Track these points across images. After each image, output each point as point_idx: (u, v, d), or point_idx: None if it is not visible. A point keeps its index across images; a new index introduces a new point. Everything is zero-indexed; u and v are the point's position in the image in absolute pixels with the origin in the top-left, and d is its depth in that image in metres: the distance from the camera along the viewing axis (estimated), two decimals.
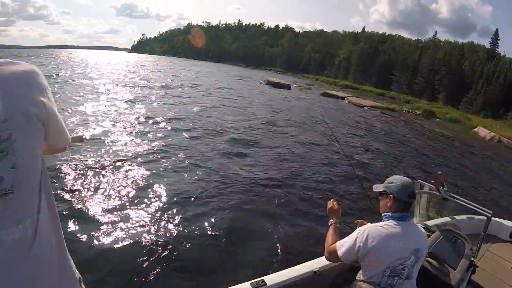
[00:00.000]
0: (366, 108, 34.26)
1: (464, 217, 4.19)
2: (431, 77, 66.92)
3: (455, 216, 4.10)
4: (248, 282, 2.39)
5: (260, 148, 10.80)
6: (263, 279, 2.44)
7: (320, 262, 2.76)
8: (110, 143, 8.86)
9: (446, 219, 4.00)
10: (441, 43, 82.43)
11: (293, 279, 2.56)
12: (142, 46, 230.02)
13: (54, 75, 24.71)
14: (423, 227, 2.89)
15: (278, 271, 2.62)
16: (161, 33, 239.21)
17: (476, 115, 47.99)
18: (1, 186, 0.97)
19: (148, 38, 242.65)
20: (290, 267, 2.70)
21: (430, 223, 3.67)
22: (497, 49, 72.33)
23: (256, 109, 20.04)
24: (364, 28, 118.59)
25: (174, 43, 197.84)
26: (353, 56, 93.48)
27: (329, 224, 2.52)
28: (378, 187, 2.32)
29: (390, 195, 2.16)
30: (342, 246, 2.15)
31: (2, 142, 0.96)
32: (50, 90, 1.13)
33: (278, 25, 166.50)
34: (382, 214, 2.21)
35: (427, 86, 67.07)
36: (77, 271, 1.31)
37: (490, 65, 59.37)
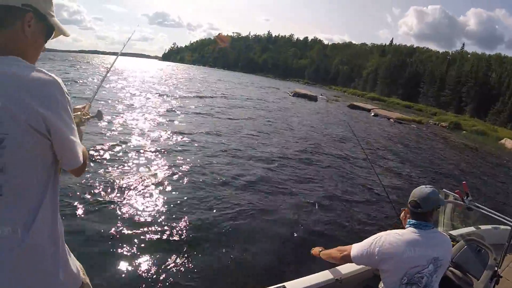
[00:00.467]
0: (392, 120, 34.65)
1: (489, 227, 4.14)
2: (458, 89, 67.07)
3: (479, 226, 4.08)
4: None
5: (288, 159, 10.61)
6: (284, 285, 2.46)
7: (343, 269, 2.78)
8: (139, 155, 8.43)
9: (471, 228, 3.98)
10: (469, 55, 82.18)
11: (315, 286, 2.56)
12: (173, 55, 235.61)
13: (85, 80, 26.12)
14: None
15: (299, 277, 2.63)
16: (191, 42, 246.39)
17: (503, 127, 47.92)
18: None
19: (178, 47, 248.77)
20: (311, 273, 2.70)
21: (454, 232, 3.66)
22: None
23: (281, 121, 19.58)
24: (392, 41, 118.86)
25: (204, 53, 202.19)
26: (381, 68, 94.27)
27: (319, 251, 2.66)
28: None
29: (405, 209, 2.21)
30: (356, 247, 2.16)
31: None
32: (65, 107, 1.13)
33: (307, 37, 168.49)
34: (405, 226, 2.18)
35: (454, 99, 67.18)
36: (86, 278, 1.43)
37: None
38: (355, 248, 2.16)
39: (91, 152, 7.79)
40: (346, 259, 2.25)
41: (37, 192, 1.13)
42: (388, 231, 2.09)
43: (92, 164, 7.08)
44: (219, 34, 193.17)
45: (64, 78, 23.06)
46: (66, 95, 1.15)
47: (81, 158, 1.24)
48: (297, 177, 8.97)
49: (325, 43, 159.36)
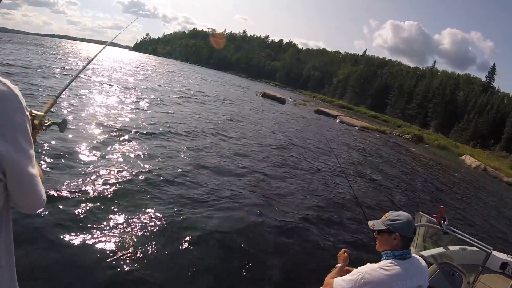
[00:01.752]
0: (357, 128, 35.12)
1: (457, 247, 4.23)
2: (425, 104, 68.45)
3: (448, 247, 4.19)
4: None
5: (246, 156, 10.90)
6: None
7: None
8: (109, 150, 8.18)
9: (441, 249, 4.08)
10: (438, 73, 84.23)
11: None
12: (145, 46, 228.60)
13: (62, 68, 24.54)
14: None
15: None
16: (165, 34, 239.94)
17: (465, 144, 49.27)
18: None
19: (151, 38, 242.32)
20: None
21: (425, 253, 3.80)
22: (492, 82, 74.68)
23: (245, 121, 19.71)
24: (365, 51, 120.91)
25: (177, 46, 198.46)
26: (352, 77, 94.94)
27: (336, 266, 2.47)
28: (376, 225, 2.20)
29: (396, 233, 2.05)
30: (339, 284, 2.03)
31: None
32: (25, 129, 0.90)
33: (282, 40, 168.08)
34: (382, 252, 2.12)
35: (420, 113, 68.54)
36: None
37: (483, 97, 61.05)
38: (338, 286, 2.01)
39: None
40: None
41: None
42: (370, 267, 1.99)
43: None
44: (215, 34, 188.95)
45: (30, 65, 20.77)
46: (25, 109, 0.92)
47: (44, 197, 1.03)
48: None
49: (300, 47, 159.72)
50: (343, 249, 2.60)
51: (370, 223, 2.24)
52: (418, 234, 3.89)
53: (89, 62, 1.96)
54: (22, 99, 0.88)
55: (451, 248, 4.21)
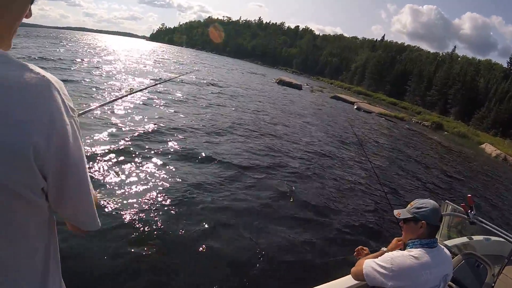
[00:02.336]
0: (374, 114, 34.60)
1: (480, 237, 4.14)
2: (445, 91, 66.94)
3: (472, 237, 4.09)
4: None
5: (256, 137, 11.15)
6: None
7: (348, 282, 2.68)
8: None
9: (464, 239, 3.99)
10: (459, 58, 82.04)
11: None
12: (161, 36, 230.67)
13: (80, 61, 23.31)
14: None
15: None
16: (181, 24, 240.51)
17: (485, 132, 48.09)
18: None
19: (167, 27, 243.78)
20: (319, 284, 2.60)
21: (449, 243, 3.69)
22: None
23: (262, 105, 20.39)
24: (383, 37, 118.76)
25: (193, 35, 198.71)
26: (370, 63, 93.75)
27: (382, 249, 2.42)
28: (402, 214, 2.18)
29: (423, 221, 2.04)
30: (369, 267, 2.02)
31: None
32: (69, 121, 0.76)
33: (298, 26, 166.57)
34: (409, 241, 2.10)
35: (440, 100, 67.12)
36: None
37: (505, 84, 59.15)
38: (368, 267, 2.01)
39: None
40: (359, 276, 2.09)
41: (30, 266, 0.84)
42: (400, 253, 1.99)
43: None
44: (212, 27, 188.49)
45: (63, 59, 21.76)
46: (73, 109, 0.80)
47: (95, 209, 0.93)
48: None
49: (316, 33, 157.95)
50: (361, 247, 2.52)
51: (396, 212, 2.23)
52: (444, 222, 3.79)
53: (145, 88, 1.86)
54: (69, 98, 0.78)
55: (475, 238, 4.10)
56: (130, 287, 3.59)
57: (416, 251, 1.96)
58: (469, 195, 3.15)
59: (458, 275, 2.84)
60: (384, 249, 2.36)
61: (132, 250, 4.11)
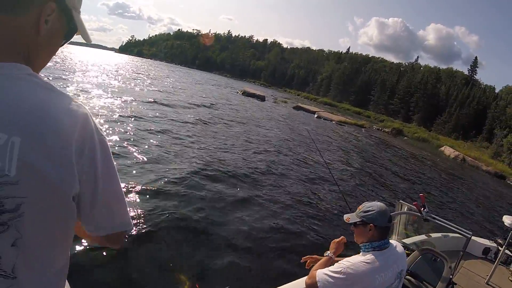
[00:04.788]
0: (334, 122, 34.74)
1: (439, 234, 4.31)
2: (407, 99, 68.87)
3: (430, 234, 4.25)
4: None
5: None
6: None
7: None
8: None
9: (423, 237, 4.13)
10: (421, 68, 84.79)
11: None
12: (130, 47, 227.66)
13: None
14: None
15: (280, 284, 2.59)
16: (150, 36, 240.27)
17: (447, 136, 49.59)
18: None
19: (137, 40, 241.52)
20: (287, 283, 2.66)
21: (407, 241, 3.81)
22: (475, 75, 76.20)
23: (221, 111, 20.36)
24: (348, 49, 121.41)
25: (163, 48, 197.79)
26: (335, 74, 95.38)
27: (325, 254, 2.37)
28: (351, 218, 2.17)
29: (370, 224, 2.03)
30: (322, 280, 1.96)
31: (5, 212, 0.73)
32: (103, 145, 0.85)
33: (266, 39, 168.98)
34: (361, 244, 2.09)
35: (403, 107, 68.98)
36: None
37: (465, 90, 61.65)
38: (322, 279, 1.94)
39: None
40: (312, 284, 2.00)
41: (56, 265, 0.88)
42: (352, 260, 1.96)
43: None
44: (205, 33, 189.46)
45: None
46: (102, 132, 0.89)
47: (130, 224, 0.98)
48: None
49: (285, 46, 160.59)
50: (342, 237, 2.46)
51: (346, 216, 2.22)
52: (400, 222, 3.90)
53: None
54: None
55: (433, 235, 4.27)
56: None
57: (368, 256, 1.95)
58: (421, 194, 3.27)
59: (416, 270, 2.93)
60: (328, 253, 2.32)
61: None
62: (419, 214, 3.16)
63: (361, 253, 2.02)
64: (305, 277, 2.33)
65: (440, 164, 23.99)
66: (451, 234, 4.26)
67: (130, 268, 3.94)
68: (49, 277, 0.84)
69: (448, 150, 33.67)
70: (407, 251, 3.09)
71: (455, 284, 2.97)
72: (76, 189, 0.78)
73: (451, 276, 2.92)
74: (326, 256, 2.31)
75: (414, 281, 2.86)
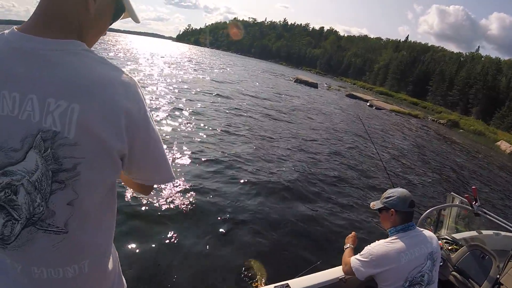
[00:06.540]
0: (386, 111, 34.65)
1: (490, 232, 4.07)
2: (466, 91, 66.79)
3: (481, 231, 4.04)
4: (273, 285, 2.41)
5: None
6: (287, 283, 2.44)
7: None
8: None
9: (473, 233, 3.93)
10: (482, 58, 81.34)
11: (318, 285, 2.53)
12: (187, 36, 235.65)
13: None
14: (448, 238, 3.27)
15: (303, 275, 2.58)
16: (206, 25, 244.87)
17: (506, 131, 47.23)
18: (52, 222, 0.83)
19: (193, 29, 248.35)
20: (315, 272, 2.65)
21: (457, 236, 3.63)
22: None
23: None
24: (407, 37, 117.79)
25: (219, 36, 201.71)
26: (393, 63, 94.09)
27: (345, 247, 2.54)
28: (376, 205, 2.31)
29: (391, 210, 2.15)
30: (355, 264, 2.15)
31: (63, 171, 0.81)
32: (148, 112, 0.92)
33: (323, 27, 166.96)
34: (387, 230, 2.21)
35: (461, 99, 66.95)
36: None
37: None
38: (354, 265, 2.17)
39: None
40: (351, 273, 2.24)
41: (104, 222, 0.98)
42: (377, 243, 2.13)
43: None
44: (234, 21, 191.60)
45: None
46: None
47: (172, 172, 1.09)
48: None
49: (341, 34, 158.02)
50: (353, 232, 2.72)
51: (371, 203, 2.38)
52: (450, 215, 3.76)
53: None
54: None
55: (484, 232, 4.00)
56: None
57: (391, 238, 2.11)
58: (474, 187, 3.14)
59: (462, 266, 2.89)
60: (348, 245, 2.54)
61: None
62: (470, 208, 3.04)
63: (389, 237, 2.15)
64: (332, 268, 2.64)
65: (494, 158, 22.74)
66: (503, 233, 3.94)
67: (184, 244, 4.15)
68: (98, 233, 0.94)
69: (504, 145, 31.71)
70: (455, 246, 3.15)
71: (502, 284, 2.83)
72: (126, 150, 0.88)
73: (498, 276, 2.80)
74: (347, 248, 2.51)
75: (460, 277, 2.81)
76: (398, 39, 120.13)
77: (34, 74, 0.79)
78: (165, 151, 1.03)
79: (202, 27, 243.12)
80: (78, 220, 0.86)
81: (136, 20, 1.05)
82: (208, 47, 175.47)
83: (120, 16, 1.03)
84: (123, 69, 0.90)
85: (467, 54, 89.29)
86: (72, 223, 0.85)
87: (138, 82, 0.72)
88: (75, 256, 0.90)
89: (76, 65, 0.82)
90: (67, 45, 0.83)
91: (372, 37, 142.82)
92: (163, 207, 4.85)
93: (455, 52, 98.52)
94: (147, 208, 4.73)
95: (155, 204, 4.87)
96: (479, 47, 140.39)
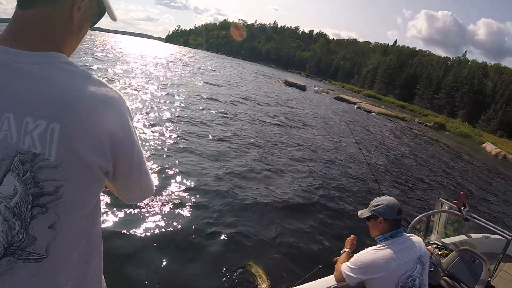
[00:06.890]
0: (373, 113, 34.97)
1: (479, 235, 4.16)
2: (453, 94, 67.85)
3: (471, 235, 4.11)
4: None
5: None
6: None
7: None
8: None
9: (463, 237, 4.00)
10: (468, 63, 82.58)
11: None
12: (176, 37, 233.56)
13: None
14: (438, 244, 3.33)
15: (297, 285, 2.58)
16: (196, 26, 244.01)
17: (492, 134, 48.25)
18: (32, 249, 0.78)
19: (183, 29, 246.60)
20: (308, 281, 2.65)
21: (447, 240, 3.70)
22: None
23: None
24: (395, 41, 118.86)
25: (208, 38, 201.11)
26: (381, 67, 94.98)
27: (342, 252, 2.55)
28: (364, 213, 2.33)
29: (380, 218, 2.18)
30: (346, 271, 2.17)
31: (44, 195, 0.76)
32: (132, 128, 0.89)
33: (312, 30, 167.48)
34: (376, 238, 2.23)
35: (448, 103, 67.96)
36: None
37: None
38: (344, 272, 2.19)
39: None
40: (342, 280, 2.26)
41: (88, 243, 0.93)
42: (365, 251, 2.15)
43: None
44: (233, 25, 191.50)
45: None
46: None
47: (153, 186, 1.09)
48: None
49: (331, 38, 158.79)
50: (352, 235, 2.72)
51: (359, 212, 2.40)
52: (440, 221, 3.82)
53: None
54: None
55: (473, 235, 4.11)
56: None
57: (379, 245, 2.13)
58: (462, 192, 3.21)
59: (453, 271, 2.91)
60: (346, 250, 2.56)
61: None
62: (459, 213, 3.09)
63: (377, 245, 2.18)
64: (327, 277, 2.62)
65: (480, 160, 23.33)
66: (492, 236, 4.03)
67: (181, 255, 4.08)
68: (81, 256, 0.89)
69: (489, 147, 32.83)
70: (446, 251, 3.21)
71: (493, 287, 2.91)
72: (110, 168, 0.85)
73: (489, 279, 2.86)
74: (343, 252, 2.53)
75: (451, 282, 2.84)
76: (387, 43, 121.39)
77: (9, 91, 0.73)
78: (148, 166, 1.01)
79: (191, 28, 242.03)
80: (59, 243, 0.81)
81: (113, 18, 0.99)
82: (197, 49, 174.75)
83: (100, 19, 0.98)
84: (107, 84, 0.86)
85: (454, 58, 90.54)
86: (53, 247, 0.80)
87: (126, 87, 0.81)
88: (58, 282, 0.85)
89: (56, 81, 0.76)
90: (47, 58, 0.78)
91: (361, 40, 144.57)
92: (157, 216, 4.74)
93: (442, 56, 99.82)
94: (140, 216, 4.64)
95: (150, 210, 4.80)
96: (466, 51, 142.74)
